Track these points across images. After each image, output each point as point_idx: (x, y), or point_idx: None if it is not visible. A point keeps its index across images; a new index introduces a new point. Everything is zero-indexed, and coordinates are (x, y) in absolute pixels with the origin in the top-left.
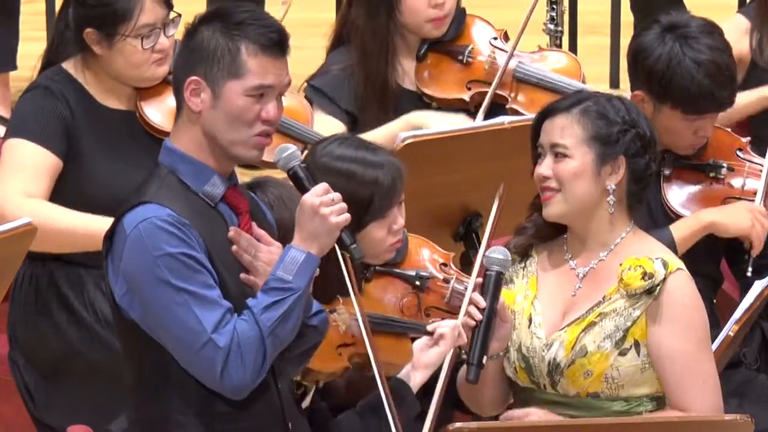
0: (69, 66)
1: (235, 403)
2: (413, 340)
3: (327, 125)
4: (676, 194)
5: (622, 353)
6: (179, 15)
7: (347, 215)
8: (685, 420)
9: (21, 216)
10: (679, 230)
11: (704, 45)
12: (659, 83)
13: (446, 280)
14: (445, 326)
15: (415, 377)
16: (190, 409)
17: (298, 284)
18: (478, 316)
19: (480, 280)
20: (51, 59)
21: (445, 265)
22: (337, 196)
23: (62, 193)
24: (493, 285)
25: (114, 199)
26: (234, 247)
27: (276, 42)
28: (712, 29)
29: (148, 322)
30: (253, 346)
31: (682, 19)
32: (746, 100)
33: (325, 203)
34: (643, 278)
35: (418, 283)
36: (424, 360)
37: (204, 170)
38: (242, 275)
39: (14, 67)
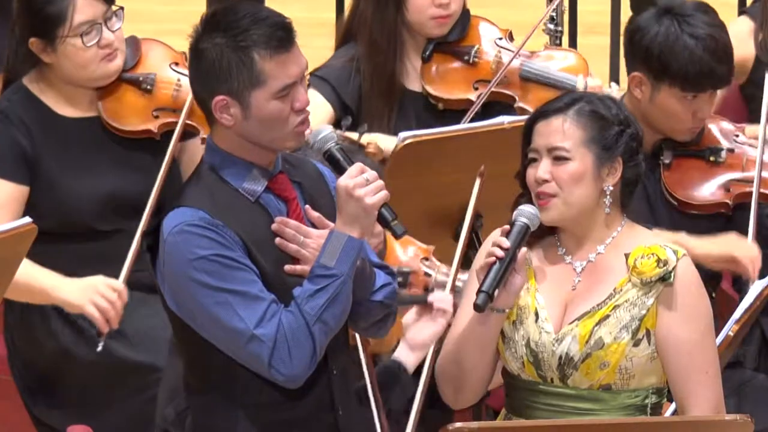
0: (27, 81)
1: (283, 394)
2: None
3: (316, 104)
4: (678, 181)
5: (636, 343)
6: (121, 8)
7: (384, 193)
8: (685, 420)
9: None
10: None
11: (701, 21)
12: (658, 60)
13: (427, 274)
14: (444, 301)
15: (410, 357)
16: (237, 400)
17: (341, 270)
18: (500, 253)
19: (507, 227)
20: (10, 78)
21: (426, 259)
22: (372, 174)
23: (40, 213)
24: (517, 232)
25: (91, 209)
26: (277, 240)
27: (284, 38)
28: (707, 8)
29: (194, 323)
30: (300, 336)
31: (677, 2)
32: (705, 249)
33: (359, 184)
34: (657, 265)
35: (400, 279)
36: (419, 340)
37: (243, 166)
38: (287, 266)
39: None
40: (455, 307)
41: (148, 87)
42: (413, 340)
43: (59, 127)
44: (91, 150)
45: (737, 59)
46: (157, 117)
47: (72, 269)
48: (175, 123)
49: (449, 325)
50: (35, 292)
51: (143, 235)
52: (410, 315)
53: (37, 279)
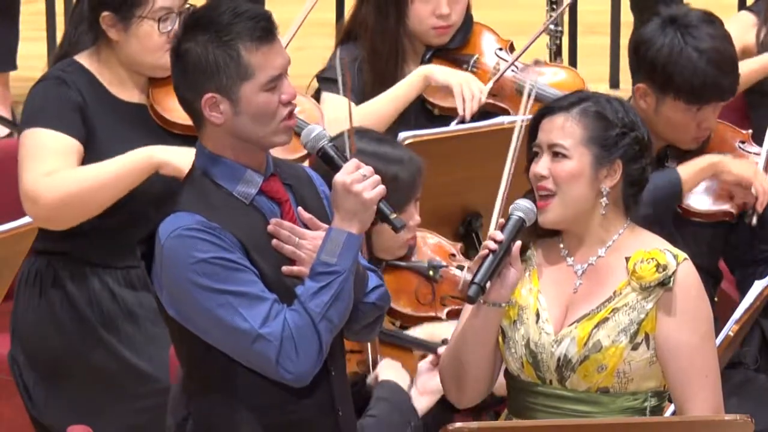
0: (81, 58)
1: (283, 396)
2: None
3: (336, 102)
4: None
5: (635, 347)
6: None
7: (381, 188)
8: (685, 420)
9: (54, 194)
10: (685, 169)
11: (705, 33)
12: (662, 73)
13: (460, 267)
14: None
15: (420, 402)
16: (237, 403)
17: (343, 266)
18: (493, 245)
19: (502, 220)
20: (65, 53)
21: (454, 255)
22: (368, 170)
23: None
24: (512, 226)
25: (136, 193)
26: (274, 241)
27: (267, 29)
28: (711, 19)
29: (196, 328)
30: (306, 334)
31: (681, 11)
32: (749, 68)
33: (356, 180)
34: (657, 270)
35: (431, 272)
36: (430, 386)
37: (236, 169)
38: (284, 268)
39: (14, 67)
40: None
41: None
42: (424, 387)
43: (111, 104)
44: (138, 134)
45: (739, 48)
46: None
47: (92, 252)
48: None
49: None
50: (129, 172)
51: (137, 243)
52: (424, 364)
53: (124, 159)
